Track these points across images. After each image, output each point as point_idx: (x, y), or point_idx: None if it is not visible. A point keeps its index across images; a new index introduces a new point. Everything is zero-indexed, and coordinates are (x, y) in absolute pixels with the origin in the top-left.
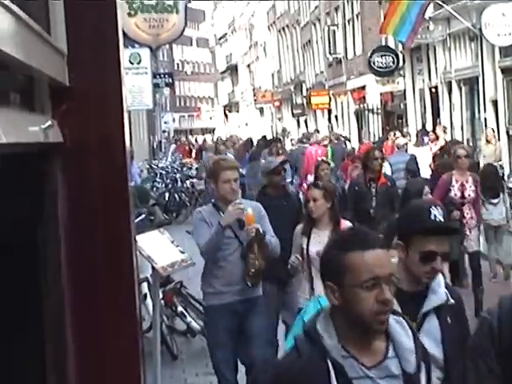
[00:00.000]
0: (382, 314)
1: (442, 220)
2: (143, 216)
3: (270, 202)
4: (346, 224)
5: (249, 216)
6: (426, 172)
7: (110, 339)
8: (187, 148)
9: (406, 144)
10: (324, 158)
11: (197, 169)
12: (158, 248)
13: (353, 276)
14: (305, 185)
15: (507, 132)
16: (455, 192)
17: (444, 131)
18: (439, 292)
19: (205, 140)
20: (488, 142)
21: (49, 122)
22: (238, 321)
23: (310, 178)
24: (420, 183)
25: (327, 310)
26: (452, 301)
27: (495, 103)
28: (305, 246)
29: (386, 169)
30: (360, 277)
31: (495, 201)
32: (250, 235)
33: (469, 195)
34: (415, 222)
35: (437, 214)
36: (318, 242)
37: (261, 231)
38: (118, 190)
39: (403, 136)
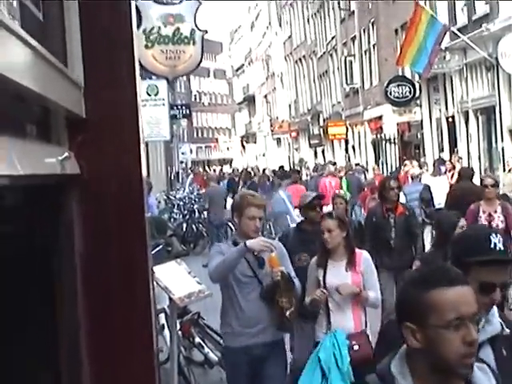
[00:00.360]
0: (468, 357)
1: (503, 248)
2: (161, 247)
3: (306, 236)
4: (361, 254)
5: (273, 259)
6: (442, 201)
7: (126, 370)
8: (204, 179)
9: (420, 174)
10: (338, 192)
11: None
12: (175, 279)
13: (437, 316)
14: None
15: None
16: (482, 222)
17: (458, 161)
18: (494, 322)
19: (221, 171)
20: (509, 170)
21: (66, 154)
22: (256, 365)
23: (324, 209)
24: (454, 215)
25: (402, 351)
26: (507, 331)
27: None
28: (321, 278)
29: (401, 199)
30: (445, 316)
31: None
32: (276, 278)
33: (497, 225)
34: (475, 251)
35: (497, 242)
36: (335, 273)
37: (285, 273)
38: (135, 221)
39: (420, 166)
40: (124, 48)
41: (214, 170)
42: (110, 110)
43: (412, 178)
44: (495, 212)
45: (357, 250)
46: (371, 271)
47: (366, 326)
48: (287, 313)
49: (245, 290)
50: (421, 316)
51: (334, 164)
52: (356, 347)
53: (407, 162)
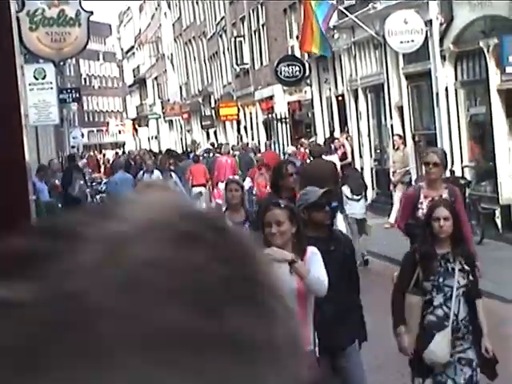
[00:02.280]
0: None
1: None
2: None
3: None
4: (309, 251)
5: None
6: None
7: None
8: (96, 163)
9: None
10: (232, 177)
11: (106, 183)
12: None
13: None
14: (216, 191)
15: (413, 138)
16: (424, 211)
17: (347, 139)
18: None
19: (118, 154)
20: (396, 148)
21: None
22: None
23: (221, 186)
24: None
25: None
26: None
27: (401, 109)
28: None
29: None
30: None
31: (358, 197)
32: None
33: None
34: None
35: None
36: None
37: None
38: (19, 205)
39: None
40: (2, 33)
41: (104, 155)
42: None
43: (289, 155)
44: (440, 197)
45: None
46: (316, 261)
47: (314, 346)
48: None
49: None
50: None
51: (227, 144)
52: None
53: (304, 140)
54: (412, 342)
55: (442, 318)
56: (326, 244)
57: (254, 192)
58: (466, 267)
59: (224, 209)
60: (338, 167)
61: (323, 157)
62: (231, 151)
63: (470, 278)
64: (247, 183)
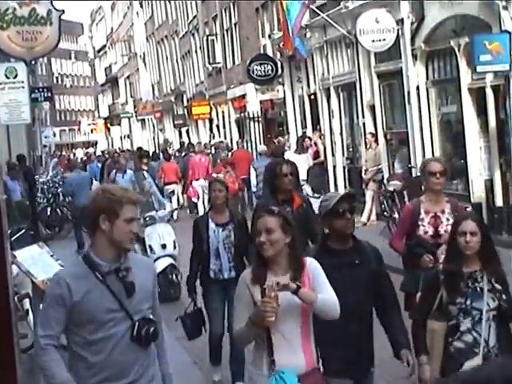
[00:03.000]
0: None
1: None
2: (23, 231)
3: (331, 260)
4: (309, 262)
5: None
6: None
7: None
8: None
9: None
10: (216, 176)
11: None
12: (37, 262)
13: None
14: (191, 189)
15: (385, 136)
16: (426, 229)
17: (320, 137)
18: None
19: (88, 153)
20: (369, 147)
21: None
22: None
23: (195, 184)
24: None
25: None
26: None
27: (373, 108)
28: (259, 299)
29: (251, 175)
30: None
31: (318, 195)
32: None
33: (445, 232)
34: None
35: None
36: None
37: None
38: None
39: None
40: None
41: (74, 154)
42: None
43: (261, 154)
44: (443, 213)
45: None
46: (322, 281)
47: (318, 363)
48: None
49: (107, 331)
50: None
51: (199, 143)
52: None
53: (280, 138)
54: (435, 372)
55: (470, 344)
56: (351, 257)
57: None
58: (498, 286)
59: (207, 209)
60: (310, 165)
61: (295, 155)
62: (205, 150)
63: (503, 297)
64: (201, 182)
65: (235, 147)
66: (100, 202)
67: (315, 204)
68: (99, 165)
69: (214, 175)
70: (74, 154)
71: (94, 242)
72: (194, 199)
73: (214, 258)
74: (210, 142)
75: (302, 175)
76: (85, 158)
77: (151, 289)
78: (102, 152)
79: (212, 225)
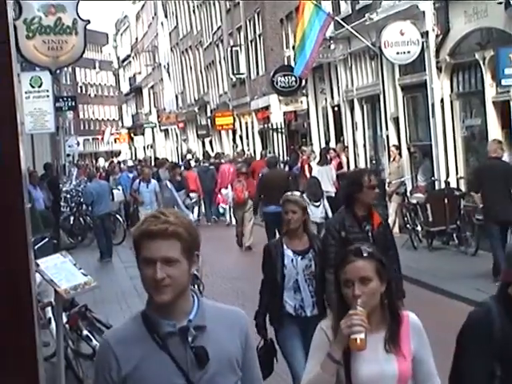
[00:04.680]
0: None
1: None
2: (46, 240)
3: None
4: (407, 317)
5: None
6: (330, 189)
7: (8, 368)
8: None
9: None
10: (291, 194)
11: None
12: (60, 271)
13: None
14: (220, 196)
15: (408, 149)
16: None
17: (344, 150)
18: None
19: (112, 163)
20: (392, 159)
21: None
22: None
23: (224, 192)
24: None
25: None
26: None
27: (396, 120)
28: (342, 365)
29: None
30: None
31: (317, 204)
32: None
33: None
34: None
35: None
36: (368, 356)
37: None
38: (14, 213)
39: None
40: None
41: (95, 165)
42: None
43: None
44: None
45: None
46: (426, 344)
47: None
48: None
49: None
50: None
51: (223, 153)
52: None
53: (304, 147)
54: None
55: None
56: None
57: (233, 197)
58: None
59: (282, 233)
60: (334, 177)
61: (319, 167)
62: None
63: None
64: (229, 190)
65: (258, 158)
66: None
67: (316, 213)
68: (130, 175)
69: (229, 186)
70: (97, 167)
71: None
72: (223, 205)
73: (292, 292)
74: (243, 151)
75: (325, 187)
76: (108, 168)
77: (237, 354)
78: (139, 161)
79: (288, 252)
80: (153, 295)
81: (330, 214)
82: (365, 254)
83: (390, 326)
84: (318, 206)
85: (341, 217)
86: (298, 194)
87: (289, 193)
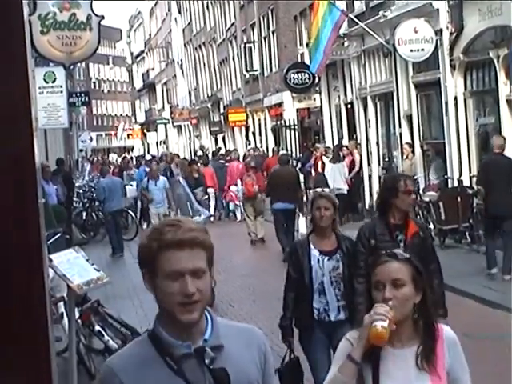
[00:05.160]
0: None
1: None
2: (59, 235)
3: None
4: (442, 331)
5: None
6: (342, 186)
7: (20, 361)
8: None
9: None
10: (321, 190)
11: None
12: (73, 266)
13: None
14: (232, 194)
15: (421, 147)
16: None
17: (356, 147)
18: None
19: (126, 158)
20: (405, 157)
21: None
22: None
23: (233, 188)
24: None
25: None
26: None
27: (410, 118)
28: (370, 380)
29: None
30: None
31: None
32: None
33: None
34: None
35: None
36: (396, 372)
37: None
38: (28, 208)
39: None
40: (15, 36)
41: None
42: (1, 98)
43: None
44: None
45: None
46: (462, 364)
47: None
48: None
49: None
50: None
51: (236, 150)
52: None
53: (318, 145)
54: None
55: None
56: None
57: (243, 191)
58: None
59: (308, 232)
60: (347, 174)
61: (331, 164)
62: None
63: None
64: (238, 185)
65: (271, 155)
66: (141, 249)
67: None
68: (147, 169)
69: (239, 181)
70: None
71: (160, 310)
72: (236, 202)
73: (317, 295)
74: (256, 148)
75: (337, 184)
76: (121, 164)
77: (257, 376)
78: (161, 156)
79: (315, 252)
80: (178, 314)
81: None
82: (400, 257)
83: (423, 340)
84: None
85: (372, 224)
86: (327, 190)
87: (319, 189)
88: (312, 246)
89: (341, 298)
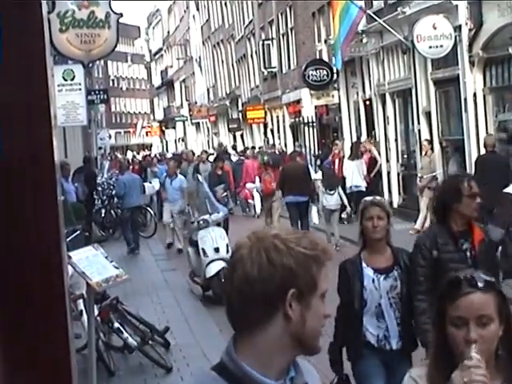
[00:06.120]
0: None
1: None
2: (78, 232)
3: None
4: None
5: None
6: (360, 183)
7: (41, 358)
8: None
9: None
10: (374, 198)
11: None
12: (92, 264)
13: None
14: (247, 191)
15: (440, 143)
16: None
17: (374, 144)
18: None
19: (147, 156)
20: (424, 153)
21: None
22: None
23: (249, 186)
24: None
25: None
26: None
27: (428, 115)
28: None
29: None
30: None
31: (332, 192)
32: None
33: None
34: None
35: None
36: None
37: None
38: (47, 206)
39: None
40: (34, 34)
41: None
42: (20, 96)
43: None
44: None
45: None
46: None
47: None
48: None
49: None
50: None
51: (253, 148)
52: None
53: (337, 141)
54: None
55: None
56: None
57: (261, 189)
58: None
59: (359, 248)
60: (365, 172)
61: (350, 161)
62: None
63: None
64: (257, 183)
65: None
66: (280, 268)
67: (331, 201)
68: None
69: (257, 178)
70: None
71: (251, 343)
72: (251, 201)
73: (375, 319)
74: (273, 144)
75: (355, 181)
76: (143, 161)
77: None
78: (181, 154)
79: (368, 271)
80: (314, 342)
81: (345, 202)
82: (480, 285)
83: (508, 377)
84: (332, 195)
85: (432, 233)
86: (379, 197)
87: (370, 197)
88: (364, 264)
89: (401, 322)
